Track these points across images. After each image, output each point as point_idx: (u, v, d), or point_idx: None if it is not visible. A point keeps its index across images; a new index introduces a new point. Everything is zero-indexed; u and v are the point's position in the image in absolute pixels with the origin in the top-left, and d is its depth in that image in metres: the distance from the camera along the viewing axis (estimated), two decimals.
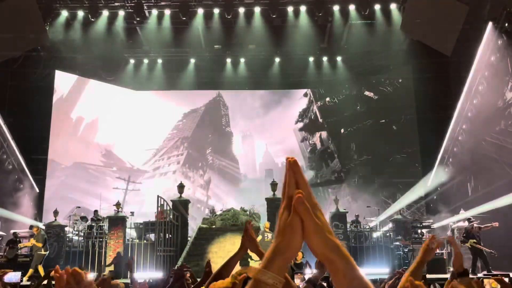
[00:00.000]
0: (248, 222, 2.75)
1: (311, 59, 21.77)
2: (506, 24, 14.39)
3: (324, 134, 23.70)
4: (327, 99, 23.75)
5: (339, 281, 0.94)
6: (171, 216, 15.63)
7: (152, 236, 15.90)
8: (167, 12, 19.15)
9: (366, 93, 22.88)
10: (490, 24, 15.32)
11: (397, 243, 15.33)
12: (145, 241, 15.70)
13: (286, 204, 0.98)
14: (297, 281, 5.34)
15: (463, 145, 17.98)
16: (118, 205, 16.01)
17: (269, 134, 23.50)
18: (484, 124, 16.42)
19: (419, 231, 15.96)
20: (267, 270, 0.93)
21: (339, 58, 21.77)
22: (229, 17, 18.96)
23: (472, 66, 16.70)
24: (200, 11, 19.10)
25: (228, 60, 21.82)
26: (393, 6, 18.97)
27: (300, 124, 23.87)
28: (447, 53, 16.77)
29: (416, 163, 21.03)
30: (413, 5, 16.90)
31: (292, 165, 1.00)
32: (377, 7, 18.93)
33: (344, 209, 16.37)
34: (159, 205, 15.36)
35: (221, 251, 14.72)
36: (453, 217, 15.98)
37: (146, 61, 21.82)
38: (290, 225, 0.96)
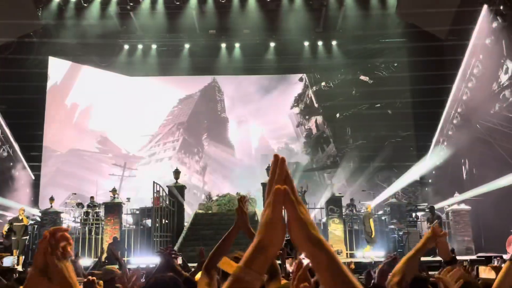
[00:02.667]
0: (242, 196, 2.67)
1: (306, 43, 21.67)
2: (501, 7, 14.34)
3: (319, 118, 23.71)
4: (323, 83, 23.71)
5: (322, 275, 0.94)
6: (167, 202, 15.67)
7: (148, 222, 15.95)
8: None
9: (362, 77, 22.85)
10: (485, 6, 15.27)
11: (392, 226, 15.45)
12: (141, 227, 15.76)
13: (269, 201, 0.98)
14: (288, 266, 5.31)
15: (457, 129, 18.06)
16: (114, 191, 16.03)
17: (265, 119, 23.48)
18: (479, 107, 16.47)
19: (414, 214, 16.09)
20: (247, 267, 0.94)
21: (334, 43, 21.68)
22: (223, 1, 18.82)
23: (467, 49, 16.69)
24: None
25: (223, 45, 21.68)
26: None
27: (296, 109, 23.85)
28: (442, 37, 16.75)
29: (411, 147, 21.12)
30: None
31: (281, 163, 0.99)
32: None
33: (340, 193, 16.46)
34: (155, 191, 15.37)
35: (219, 235, 14.77)
36: (448, 200, 16.10)
37: (140, 46, 21.65)
38: (273, 221, 0.96)
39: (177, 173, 16.50)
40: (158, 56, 21.71)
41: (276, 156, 1.00)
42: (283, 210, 0.97)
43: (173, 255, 3.85)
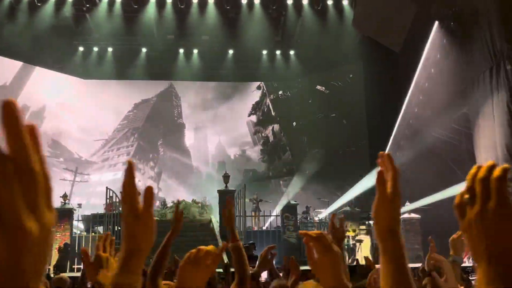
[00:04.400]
0: (229, 197, 2.68)
1: (264, 52, 21.84)
2: (452, 24, 14.94)
3: (276, 127, 23.90)
4: (280, 92, 23.95)
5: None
6: (120, 209, 15.31)
7: (100, 229, 15.57)
8: None
9: (318, 87, 23.22)
10: (436, 23, 15.87)
11: (346, 234, 15.71)
12: (93, 233, 15.36)
13: (128, 206, 1.01)
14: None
15: (409, 139, 18.61)
16: (65, 197, 15.57)
17: (222, 126, 23.44)
18: (429, 119, 17.06)
19: (366, 222, 16.43)
20: (124, 272, 0.94)
21: (292, 52, 21.96)
22: (182, 7, 18.70)
23: (419, 63, 17.27)
24: (153, 0, 18.74)
25: (181, 51, 21.53)
26: (345, 2, 19.34)
27: (253, 117, 23.94)
28: (396, 50, 17.26)
29: (365, 156, 21.60)
30: (364, 2, 17.26)
31: (128, 167, 1.02)
32: (329, 2, 19.24)
33: (295, 201, 16.60)
34: (108, 197, 15.04)
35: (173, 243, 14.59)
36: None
37: (95, 49, 21.18)
38: (140, 222, 0.98)
39: None
40: (114, 59, 21.29)
41: (128, 162, 1.02)
42: (152, 209, 0.99)
43: None
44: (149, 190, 0.96)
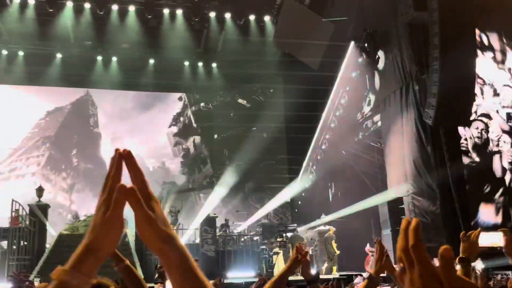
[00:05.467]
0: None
1: (186, 63, 21.67)
2: (366, 44, 15.76)
3: (197, 139, 23.72)
4: (202, 104, 23.84)
5: (172, 273, 0.90)
6: (27, 222, 14.39)
7: (4, 244, 14.48)
8: (32, 1, 17.71)
9: (240, 100, 23.43)
10: (352, 42, 16.67)
11: (263, 246, 15.84)
12: None
13: (105, 198, 0.90)
14: None
15: (325, 154, 19.28)
16: None
17: (141, 137, 22.82)
18: (345, 135, 17.80)
19: (284, 234, 16.69)
20: (75, 270, 0.85)
21: (214, 65, 21.99)
22: (101, 13, 18.10)
23: (335, 81, 18.02)
24: (70, 4, 17.97)
25: (99, 58, 20.77)
26: (267, 18, 19.75)
27: (174, 128, 23.60)
28: (314, 67, 17.87)
29: (284, 170, 22.01)
30: (284, 19, 17.75)
31: (126, 157, 0.93)
32: (252, 17, 19.54)
33: (214, 214, 16.51)
34: (14, 209, 14.07)
35: None
36: (315, 221, 16.99)
37: (5, 52, 19.86)
38: (109, 221, 0.88)
39: (40, 191, 15.28)
40: (25, 64, 20.04)
41: (117, 150, 0.95)
42: (124, 209, 0.90)
43: (25, 281, 3.51)
44: (121, 188, 0.88)
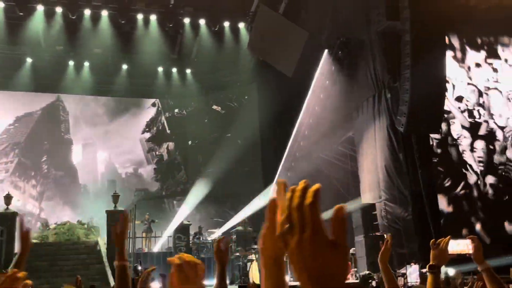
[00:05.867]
0: (125, 212, 2.70)
1: (160, 69, 21.51)
2: (339, 52, 15.93)
3: (171, 145, 23.53)
4: (176, 110, 23.68)
5: None
6: None
7: None
8: (1, 4, 17.32)
9: (214, 107, 23.36)
10: (326, 51, 16.82)
11: (237, 254, 15.75)
12: None
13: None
14: None
15: (299, 161, 19.34)
16: None
17: (114, 143, 22.51)
18: (318, 142, 17.90)
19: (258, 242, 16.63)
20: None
21: (188, 71, 21.89)
22: (73, 17, 17.82)
23: (310, 88, 18.13)
24: (40, 8, 17.64)
25: (71, 63, 20.44)
26: (241, 25, 19.78)
27: (147, 134, 23.35)
28: (288, 74, 17.95)
29: (258, 177, 22.00)
30: (259, 26, 17.80)
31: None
32: (226, 24, 19.55)
33: (188, 221, 16.37)
34: None
35: (55, 267, 13.62)
36: None
37: None
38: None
39: (8, 198, 14.90)
40: None
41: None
42: None
43: None
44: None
